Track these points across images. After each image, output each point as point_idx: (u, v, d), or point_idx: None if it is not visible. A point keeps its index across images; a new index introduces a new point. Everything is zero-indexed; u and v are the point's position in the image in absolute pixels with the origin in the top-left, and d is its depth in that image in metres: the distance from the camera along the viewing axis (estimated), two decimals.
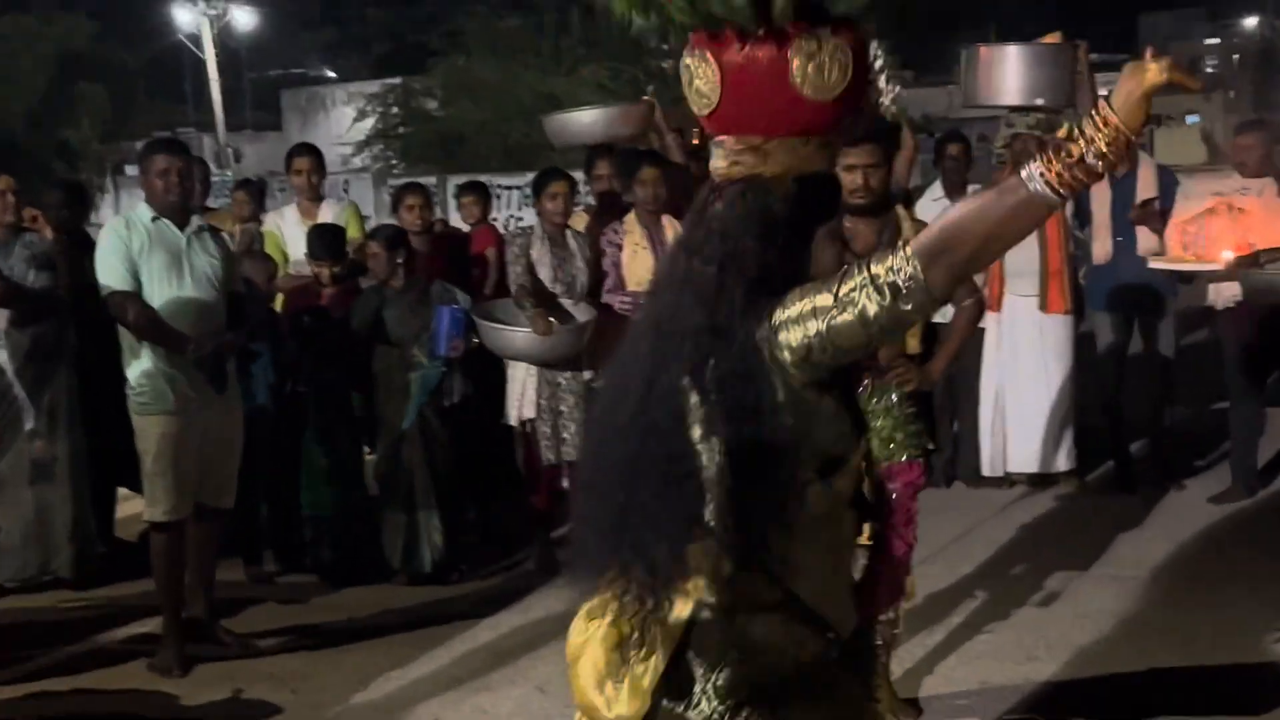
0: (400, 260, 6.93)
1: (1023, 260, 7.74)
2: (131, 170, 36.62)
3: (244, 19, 42.69)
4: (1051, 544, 7.19)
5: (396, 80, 31.60)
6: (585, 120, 7.87)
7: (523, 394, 7.11)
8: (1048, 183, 2.08)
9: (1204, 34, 64.66)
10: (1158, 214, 7.75)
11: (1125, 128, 2.05)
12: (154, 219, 5.74)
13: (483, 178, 22.78)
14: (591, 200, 8.51)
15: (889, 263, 2.14)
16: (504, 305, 7.06)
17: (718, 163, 2.36)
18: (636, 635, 2.31)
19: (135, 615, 6.28)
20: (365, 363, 6.92)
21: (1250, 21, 53.29)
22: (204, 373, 5.75)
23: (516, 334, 6.80)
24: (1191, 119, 47.45)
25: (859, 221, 4.74)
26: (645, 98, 8.51)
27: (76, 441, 6.83)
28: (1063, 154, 2.08)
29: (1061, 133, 2.13)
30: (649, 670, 2.30)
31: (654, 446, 2.24)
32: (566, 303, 7.02)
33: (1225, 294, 7.48)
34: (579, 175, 8.47)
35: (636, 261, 7.00)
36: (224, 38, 40.85)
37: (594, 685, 2.39)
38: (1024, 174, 2.10)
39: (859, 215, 4.74)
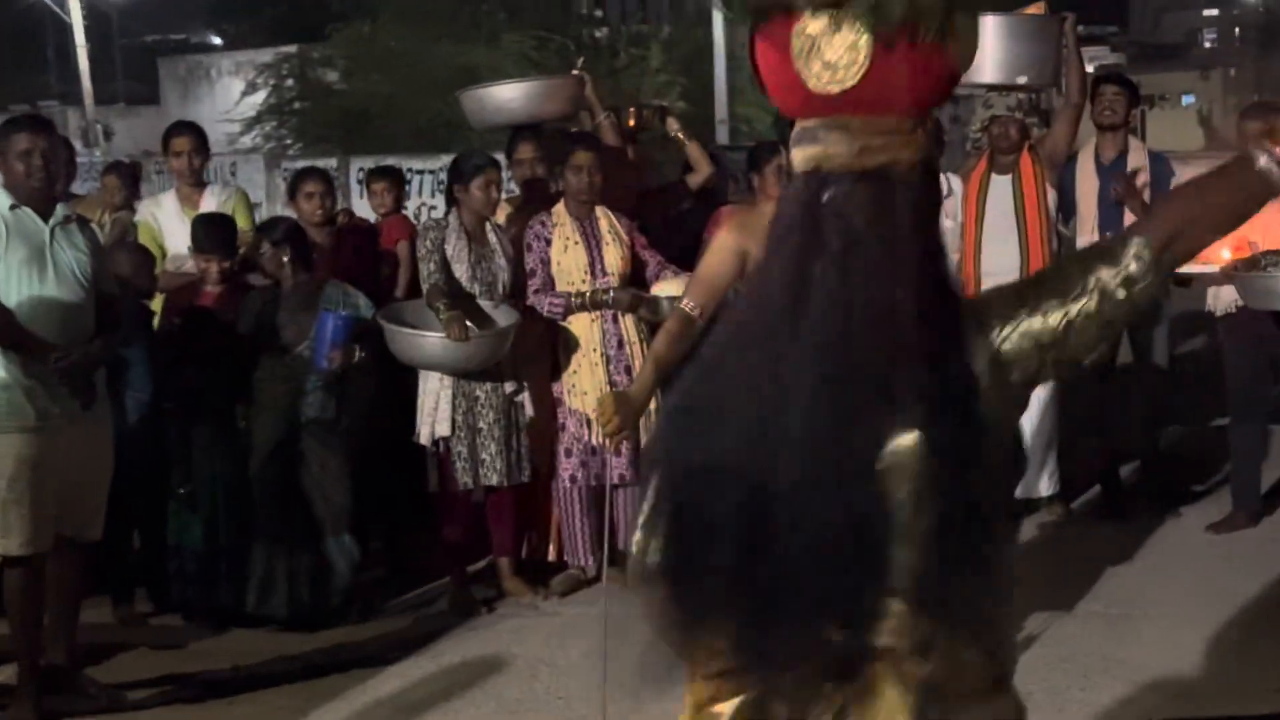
0: (287, 258, 6.95)
1: (1002, 258, 7.82)
2: None
3: None
4: (1031, 578, 7.17)
5: (292, 48, 31.74)
6: (508, 96, 7.90)
7: (436, 409, 7.07)
8: (1278, 162, 2.15)
9: (1202, 5, 65.85)
10: (1140, 194, 7.90)
11: None
12: (12, 207, 5.69)
13: (392, 160, 22.78)
14: (514, 188, 8.43)
15: (1119, 254, 2.18)
16: (415, 307, 7.04)
17: (836, 149, 2.20)
18: None
19: None
20: (250, 373, 6.92)
21: None
22: (69, 384, 5.69)
23: (429, 340, 6.77)
24: (1187, 99, 48.40)
25: None
26: (576, 71, 8.49)
27: None
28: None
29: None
30: None
31: (849, 513, 2.09)
32: (486, 305, 7.00)
33: (1225, 299, 7.58)
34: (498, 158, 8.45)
35: (568, 258, 7.06)
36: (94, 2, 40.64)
37: None
38: (1255, 154, 2.19)
39: None
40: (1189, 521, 8.08)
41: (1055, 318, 2.17)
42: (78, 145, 37.54)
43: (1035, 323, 2.18)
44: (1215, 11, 63.27)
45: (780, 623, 2.12)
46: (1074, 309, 2.16)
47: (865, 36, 2.14)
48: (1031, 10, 7.55)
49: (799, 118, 2.27)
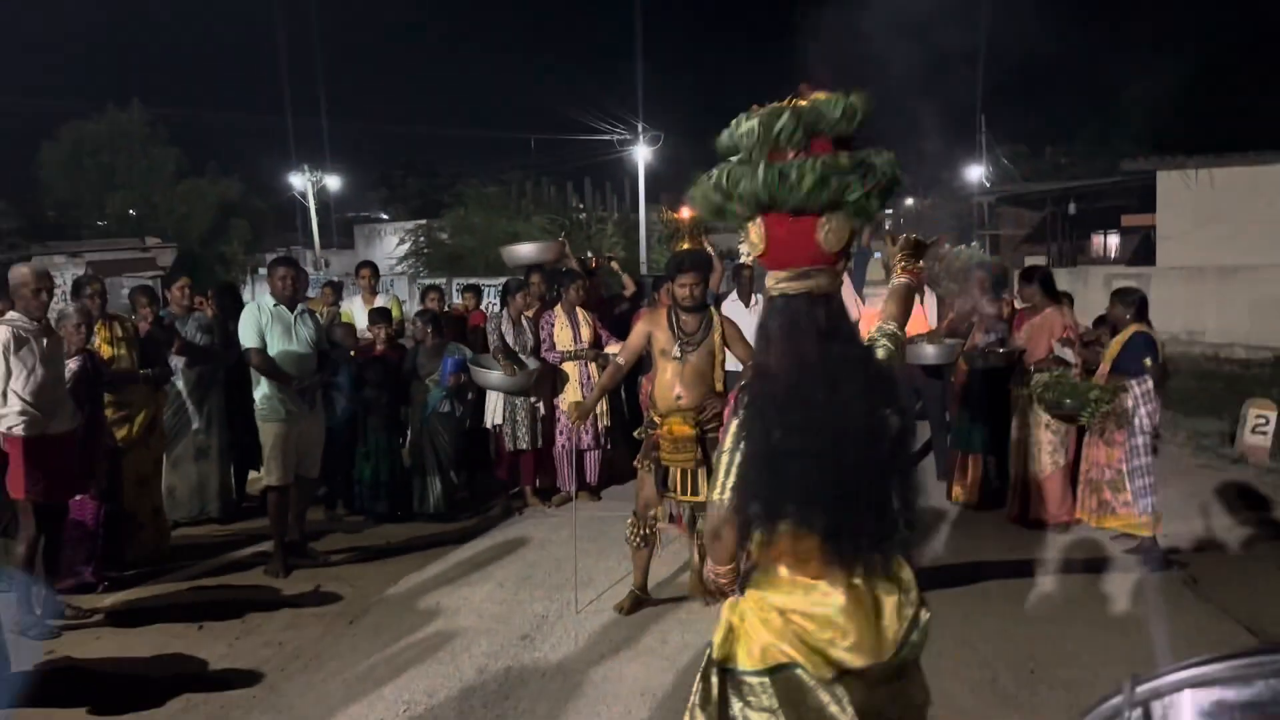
0: (430, 328, 6.91)
1: None
2: (263, 271, 35.95)
3: (333, 182, 42.19)
4: None
5: (423, 221, 31.61)
6: (525, 250, 7.82)
7: (495, 409, 7.02)
8: (912, 279, 2.58)
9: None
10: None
11: (910, 265, 2.61)
12: (275, 305, 5.60)
13: (474, 280, 22.48)
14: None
15: (891, 328, 2.42)
16: (487, 358, 6.91)
17: (822, 281, 2.23)
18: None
19: (257, 540, 6.09)
20: (406, 388, 6.83)
21: (909, 200, 55.17)
22: (302, 396, 5.60)
23: (492, 374, 6.67)
24: (876, 254, 49.27)
25: (689, 316, 4.75)
26: (560, 239, 8.43)
27: (223, 435, 6.60)
28: (902, 266, 2.59)
29: (897, 268, 2.62)
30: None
31: (887, 464, 2.15)
32: (522, 357, 6.91)
33: None
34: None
35: (563, 333, 6.96)
36: (321, 194, 40.28)
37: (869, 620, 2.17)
38: (903, 279, 2.58)
39: (688, 312, 4.75)
40: None
41: (883, 355, 2.33)
42: (310, 270, 37.06)
43: (880, 356, 2.33)
44: (890, 211, 64.71)
45: (853, 518, 2.12)
46: (888, 349, 2.34)
47: (849, 224, 2.22)
48: None
49: (794, 266, 2.26)
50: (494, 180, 31.84)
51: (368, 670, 4.25)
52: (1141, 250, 19.96)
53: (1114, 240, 22.50)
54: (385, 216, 48.47)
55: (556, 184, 32.15)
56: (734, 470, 2.23)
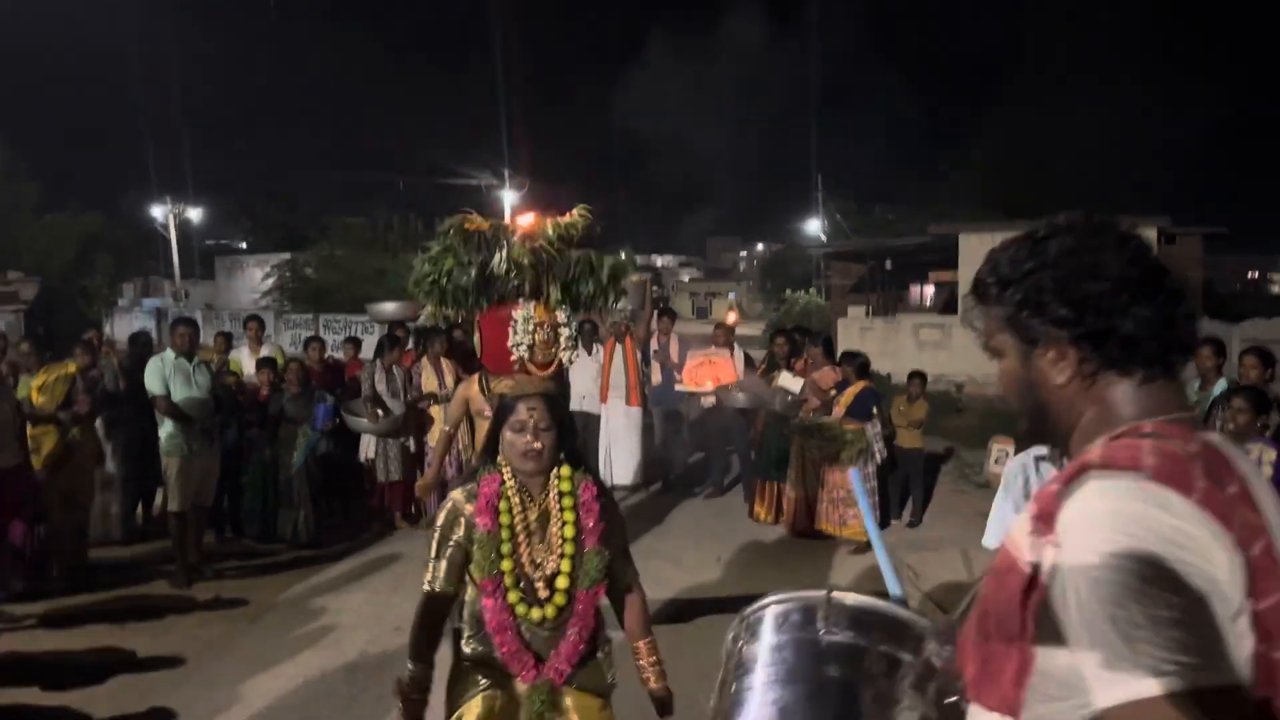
0: (299, 379, 7.49)
1: (620, 379, 8.78)
2: (122, 303, 34.93)
3: (195, 214, 41.45)
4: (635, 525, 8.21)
5: (287, 255, 31.36)
6: (390, 308, 8.54)
7: (367, 445, 7.79)
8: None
9: (739, 247, 70.45)
10: (673, 364, 9.15)
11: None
12: (175, 357, 6.43)
13: (342, 317, 22.57)
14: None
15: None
16: (357, 404, 7.63)
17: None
18: None
19: (162, 561, 6.75)
20: (276, 429, 7.41)
21: (760, 246, 58.21)
22: (201, 434, 6.44)
23: (362, 420, 7.47)
24: (731, 295, 51.59)
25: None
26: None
27: (128, 468, 7.30)
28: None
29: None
30: None
31: None
32: (392, 402, 7.68)
33: (706, 400, 8.71)
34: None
35: (429, 381, 7.81)
36: (182, 225, 39.53)
37: None
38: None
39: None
40: (696, 494, 8.92)
41: None
42: (169, 300, 36.16)
43: None
44: (744, 254, 67.67)
45: None
46: None
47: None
48: (635, 278, 8.70)
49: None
50: (359, 214, 31.99)
51: (271, 655, 5.22)
52: (952, 301, 22.16)
53: (930, 289, 24.79)
54: (244, 246, 47.54)
55: (424, 220, 32.63)
56: None
